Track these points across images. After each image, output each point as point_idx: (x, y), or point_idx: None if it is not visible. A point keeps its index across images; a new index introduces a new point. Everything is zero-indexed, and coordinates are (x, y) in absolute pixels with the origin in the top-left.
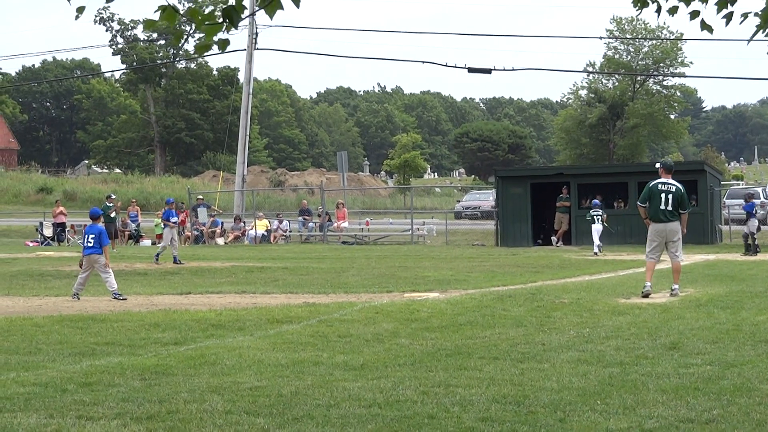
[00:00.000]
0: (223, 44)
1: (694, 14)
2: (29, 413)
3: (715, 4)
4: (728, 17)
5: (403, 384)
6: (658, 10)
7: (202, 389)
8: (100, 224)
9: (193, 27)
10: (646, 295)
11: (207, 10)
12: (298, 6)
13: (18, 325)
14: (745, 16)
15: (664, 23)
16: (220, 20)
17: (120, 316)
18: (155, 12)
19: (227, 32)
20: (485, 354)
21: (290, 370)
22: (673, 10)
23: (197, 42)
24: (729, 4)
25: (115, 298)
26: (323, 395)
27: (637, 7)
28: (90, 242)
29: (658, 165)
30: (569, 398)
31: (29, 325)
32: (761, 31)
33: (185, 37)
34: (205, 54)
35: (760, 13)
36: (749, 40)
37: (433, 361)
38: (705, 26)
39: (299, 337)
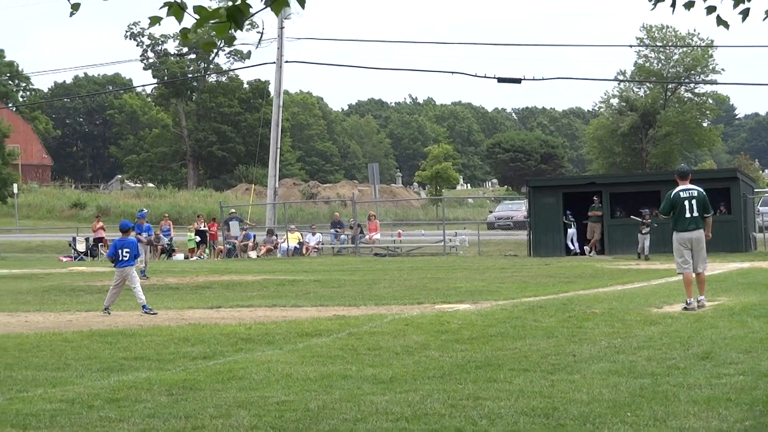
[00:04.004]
0: (230, 40)
1: (711, 9)
2: (54, 430)
3: None
4: (745, 13)
5: (431, 397)
6: (673, 5)
7: (228, 404)
8: (132, 237)
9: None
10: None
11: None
12: (303, 6)
13: (48, 341)
14: None
15: (695, 30)
16: (225, 20)
17: (149, 330)
18: (160, 8)
19: (234, 31)
20: (515, 366)
21: (318, 383)
22: (689, 5)
23: (203, 39)
24: (746, 0)
25: (145, 312)
26: (351, 409)
27: (652, 2)
28: (125, 255)
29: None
30: (599, 410)
31: (59, 340)
32: None
33: (216, 51)
34: (234, 68)
35: None
36: None
37: (463, 373)
38: (721, 22)
39: (328, 350)
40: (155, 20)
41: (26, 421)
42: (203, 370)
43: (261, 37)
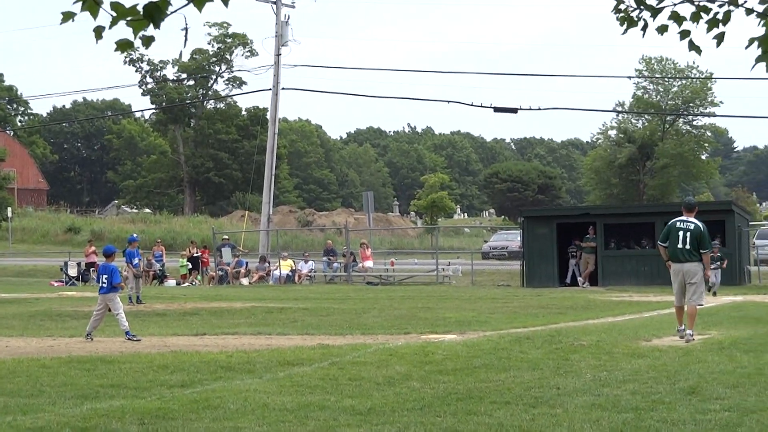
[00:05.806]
0: (147, 41)
1: (684, 34)
2: None
3: (706, 22)
4: (719, 38)
5: (408, 430)
6: (644, 29)
7: None
8: (113, 263)
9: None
10: (682, 338)
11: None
12: (226, 5)
13: (25, 367)
14: (751, 41)
15: (694, 62)
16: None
17: (129, 357)
18: (74, 3)
19: (154, 29)
20: (497, 398)
21: (294, 414)
22: (662, 29)
23: (120, 40)
24: (720, 24)
25: (128, 338)
26: None
27: (623, 26)
28: (104, 282)
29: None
30: None
31: (36, 366)
32: (762, 61)
33: (215, 78)
34: (233, 94)
35: (758, 40)
36: (752, 69)
37: (443, 405)
38: (693, 47)
39: (309, 380)
40: (68, 16)
41: None
42: (179, 399)
43: (186, 34)
